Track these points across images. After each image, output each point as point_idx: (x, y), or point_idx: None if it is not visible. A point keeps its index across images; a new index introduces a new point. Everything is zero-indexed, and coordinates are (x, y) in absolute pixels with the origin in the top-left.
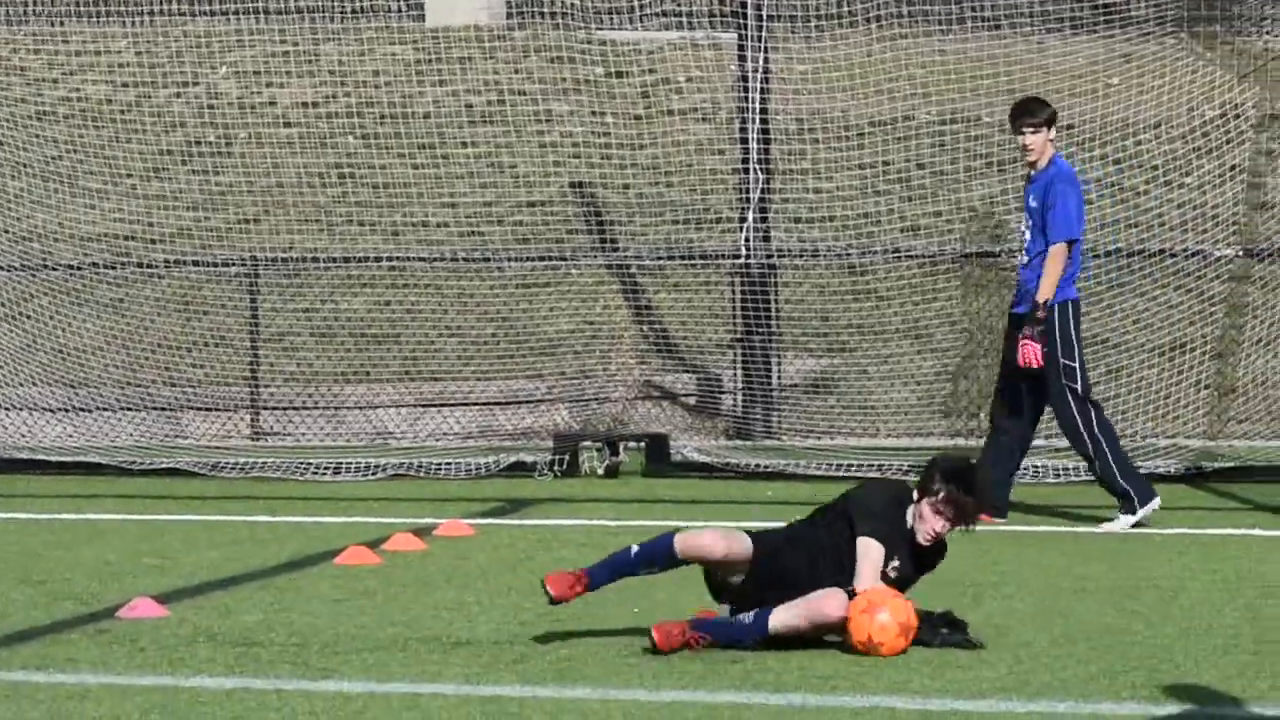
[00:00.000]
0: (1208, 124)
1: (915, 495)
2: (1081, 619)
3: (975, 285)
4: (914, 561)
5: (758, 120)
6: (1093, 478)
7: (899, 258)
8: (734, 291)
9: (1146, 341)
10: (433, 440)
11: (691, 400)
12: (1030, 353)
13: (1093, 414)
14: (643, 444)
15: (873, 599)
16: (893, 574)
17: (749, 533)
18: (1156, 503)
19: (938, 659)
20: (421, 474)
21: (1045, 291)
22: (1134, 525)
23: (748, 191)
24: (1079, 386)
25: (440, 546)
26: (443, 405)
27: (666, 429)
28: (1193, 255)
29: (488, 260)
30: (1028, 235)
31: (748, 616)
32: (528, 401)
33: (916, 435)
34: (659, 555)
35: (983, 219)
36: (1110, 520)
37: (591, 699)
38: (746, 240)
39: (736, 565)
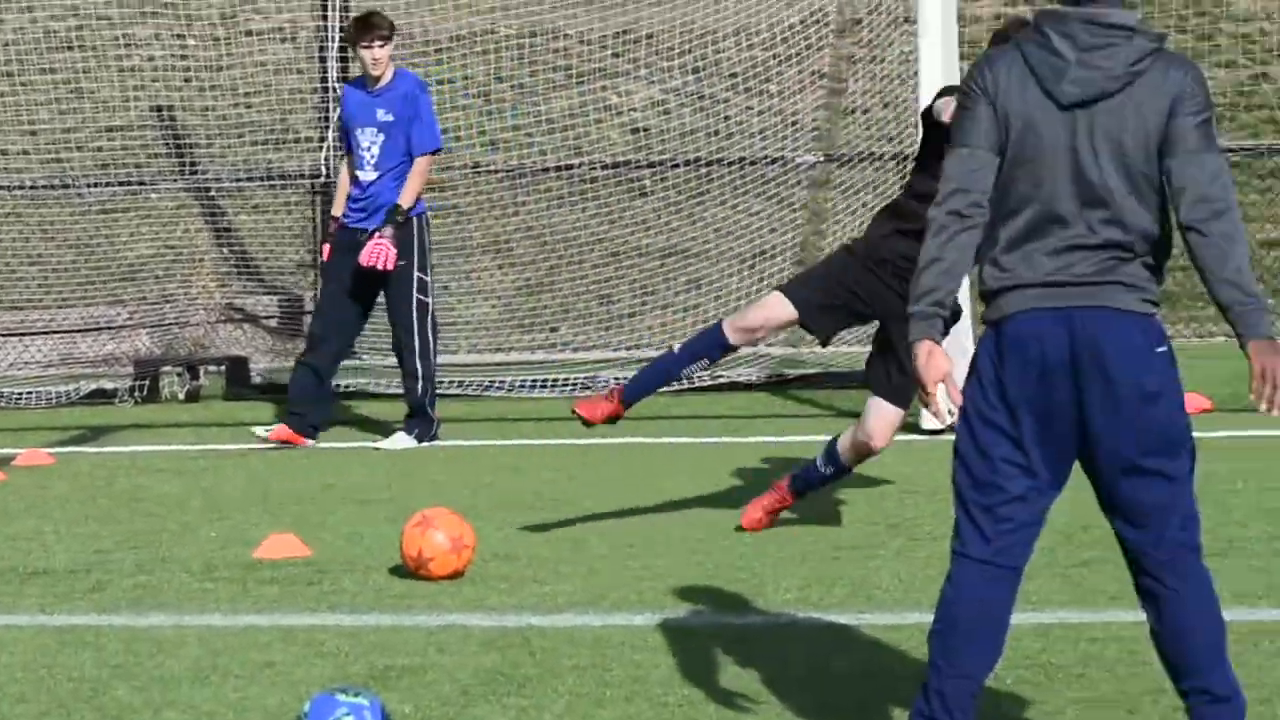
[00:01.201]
0: (789, 30)
1: None
2: (662, 529)
3: (555, 198)
4: None
5: (337, 39)
6: (409, 394)
7: (479, 173)
8: (314, 211)
9: (729, 250)
10: (13, 370)
11: (272, 322)
12: (384, 253)
13: (431, 337)
14: (223, 367)
15: (429, 515)
16: None
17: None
18: (438, 443)
19: (515, 576)
20: (1, 404)
21: (409, 199)
22: (408, 448)
23: (328, 111)
24: (432, 303)
25: (19, 476)
26: (23, 334)
27: (247, 351)
28: (774, 162)
29: (67, 187)
30: (374, 150)
31: (821, 460)
32: (108, 328)
33: (498, 350)
34: (709, 347)
35: (562, 132)
36: (393, 436)
37: (166, 625)
38: (326, 159)
39: (787, 326)
